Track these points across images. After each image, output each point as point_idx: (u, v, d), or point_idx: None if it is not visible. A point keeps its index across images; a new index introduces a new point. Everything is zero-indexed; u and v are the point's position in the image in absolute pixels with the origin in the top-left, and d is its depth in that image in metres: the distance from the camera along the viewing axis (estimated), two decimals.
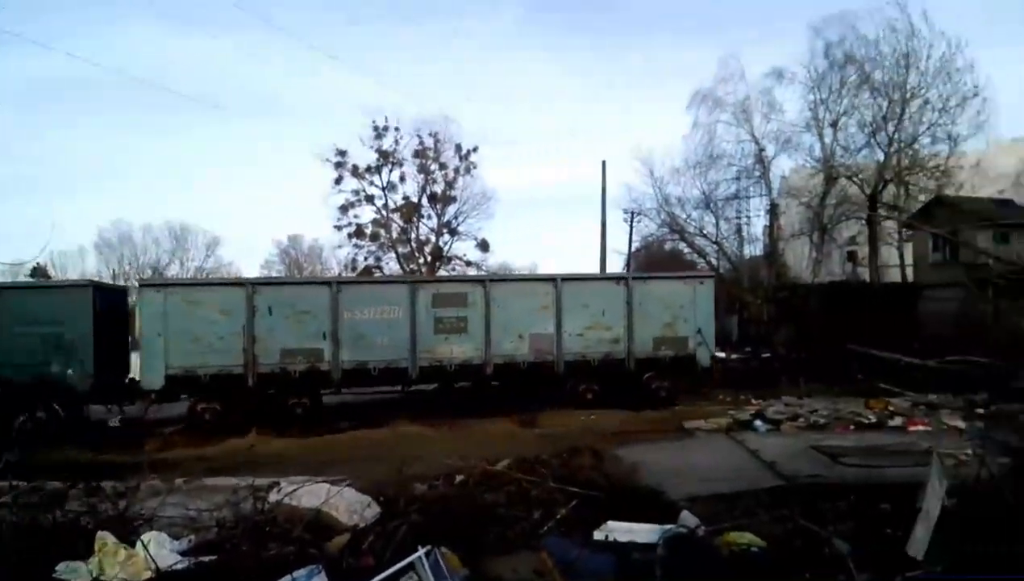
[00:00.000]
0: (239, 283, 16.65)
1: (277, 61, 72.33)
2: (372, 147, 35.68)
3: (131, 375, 16.49)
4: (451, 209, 37.15)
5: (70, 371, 14.75)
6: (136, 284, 23.73)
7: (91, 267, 47.61)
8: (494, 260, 38.43)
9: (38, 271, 27.92)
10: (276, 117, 70.25)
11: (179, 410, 15.66)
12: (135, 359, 16.36)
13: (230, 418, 14.86)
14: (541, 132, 75.53)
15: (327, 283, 16.53)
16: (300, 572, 5.07)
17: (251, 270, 51.59)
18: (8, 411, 14.44)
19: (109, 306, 16.17)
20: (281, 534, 5.94)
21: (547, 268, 41.22)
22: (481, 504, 6.84)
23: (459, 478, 7.55)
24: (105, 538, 5.15)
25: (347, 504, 6.34)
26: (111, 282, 37.74)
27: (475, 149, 36.61)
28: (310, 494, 6.44)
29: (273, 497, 6.43)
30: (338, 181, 36.02)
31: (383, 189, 36.69)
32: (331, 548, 5.82)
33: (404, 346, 15.83)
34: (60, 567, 4.91)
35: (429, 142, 36.11)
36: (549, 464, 8.21)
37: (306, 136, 75.12)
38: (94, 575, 4.86)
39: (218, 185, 75.35)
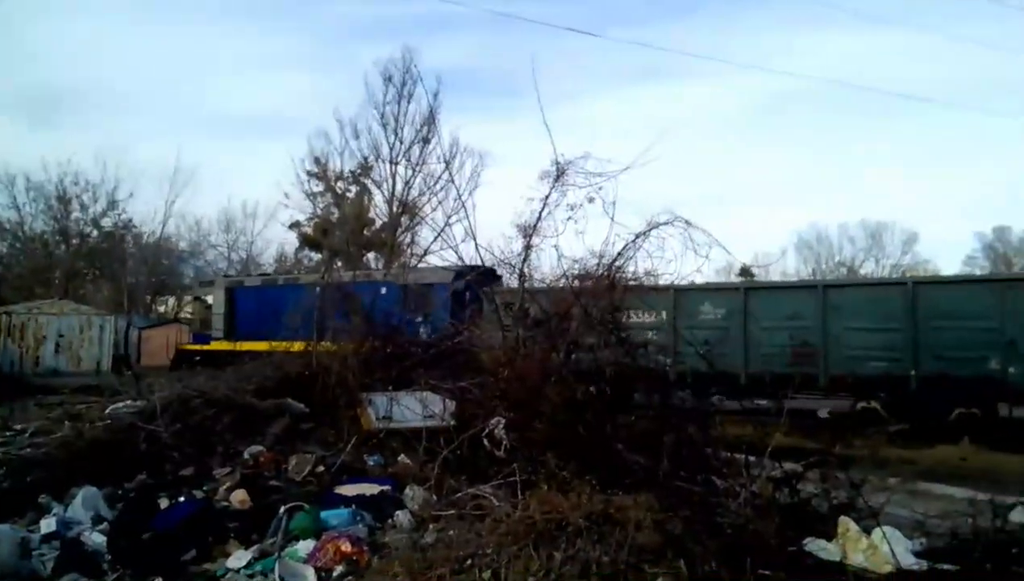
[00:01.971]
0: None
1: (988, 37, 64.77)
2: None
3: None
4: None
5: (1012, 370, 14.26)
6: None
7: (791, 267, 50.55)
8: None
9: (744, 271, 31.08)
10: (977, 100, 63.19)
11: None
12: None
13: None
14: None
15: None
16: None
17: (952, 267, 47.75)
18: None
19: None
20: None
21: None
22: None
23: None
24: (848, 524, 5.45)
25: None
26: None
27: None
28: None
29: (1016, 517, 5.85)
30: None
31: None
32: None
33: None
34: (809, 543, 5.38)
35: None
36: None
37: (1018, 116, 65.51)
38: (838, 557, 5.19)
39: (918, 179, 71.73)
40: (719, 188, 70.14)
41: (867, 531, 5.52)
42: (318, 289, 11.91)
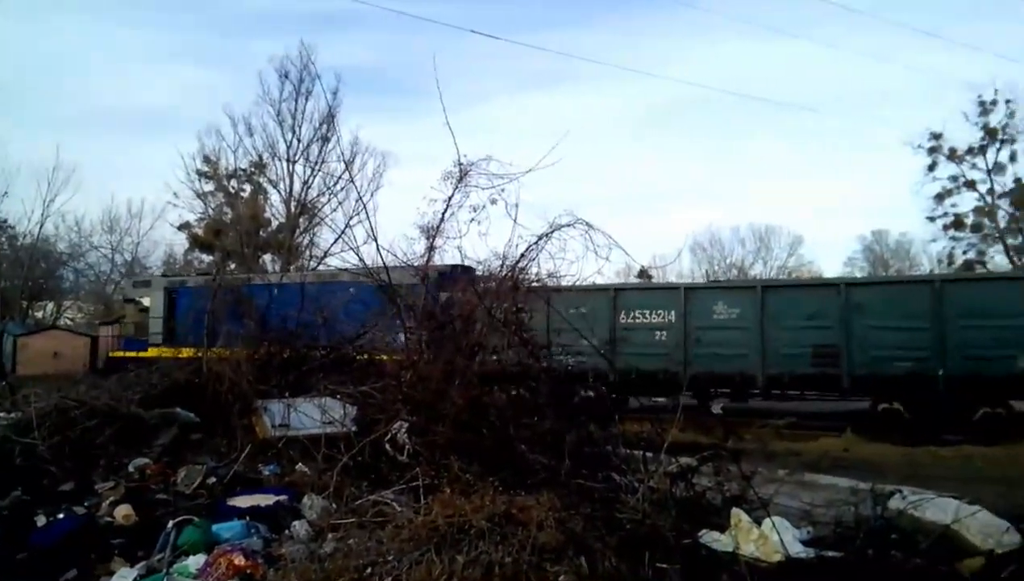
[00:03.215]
0: None
1: (863, 49, 68.89)
2: (977, 124, 31.62)
3: None
4: None
5: None
6: None
7: (686, 268, 52.26)
8: None
9: (643, 272, 31.86)
10: (866, 108, 67.14)
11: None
12: None
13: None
14: None
15: None
16: None
17: (833, 269, 50.42)
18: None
19: None
20: (905, 544, 5.72)
21: None
22: None
23: None
24: (740, 515, 5.64)
25: (981, 525, 5.76)
26: None
27: None
28: (936, 508, 6.03)
29: (894, 504, 6.20)
30: (932, 167, 32.97)
31: (988, 172, 32.27)
32: (963, 569, 5.39)
33: None
34: (704, 535, 5.54)
35: None
36: None
37: (900, 124, 70.10)
38: (731, 548, 5.36)
39: (802, 184, 75.44)
40: (619, 191, 71.78)
41: (758, 522, 5.73)
42: (275, 289, 11.24)
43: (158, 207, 40.98)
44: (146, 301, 23.78)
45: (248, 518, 6.02)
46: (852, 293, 15.73)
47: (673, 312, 16.70)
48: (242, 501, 6.45)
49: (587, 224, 8.53)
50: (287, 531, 5.89)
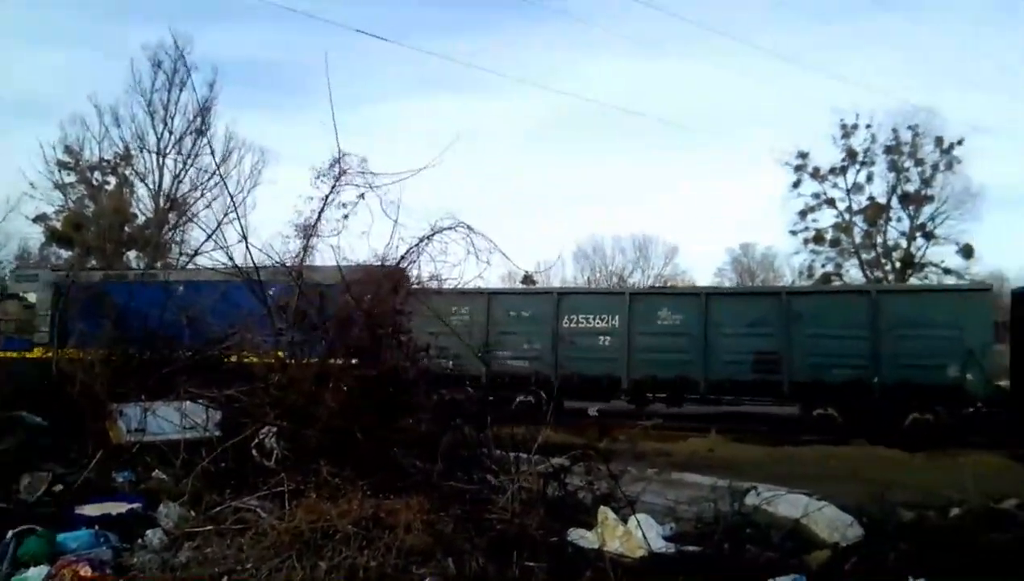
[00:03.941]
0: None
1: (732, 72, 72.66)
2: (841, 146, 33.94)
3: None
4: (927, 210, 33.50)
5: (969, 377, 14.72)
6: None
7: (569, 274, 53.24)
8: (980, 267, 33.51)
9: (527, 278, 32.20)
10: (737, 127, 70.66)
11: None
12: None
13: None
14: None
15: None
16: (783, 579, 5.09)
17: (705, 279, 52.68)
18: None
19: None
20: (760, 538, 6.01)
21: None
22: (983, 543, 6.06)
23: (954, 511, 6.76)
24: (606, 513, 5.77)
25: (828, 520, 6.13)
26: None
27: (960, 142, 32.44)
28: (788, 503, 6.39)
29: (750, 500, 6.51)
30: (796, 184, 35.14)
31: (847, 191, 34.69)
32: (811, 561, 5.71)
33: None
34: (572, 533, 5.64)
35: (906, 136, 33.01)
36: None
37: (767, 143, 74.21)
38: (597, 544, 5.48)
39: (680, 197, 78.56)
40: (505, 198, 72.49)
41: (624, 519, 5.89)
42: (181, 287, 10.37)
43: (13, 199, 38.03)
44: (32, 297, 21.81)
45: (98, 527, 5.69)
46: (793, 302, 16.38)
47: (618, 317, 16.85)
48: (92, 509, 6.09)
49: (468, 227, 8.52)
50: (140, 540, 5.57)
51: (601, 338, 16.92)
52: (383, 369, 8.25)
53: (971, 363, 14.45)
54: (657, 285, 43.43)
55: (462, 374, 16.29)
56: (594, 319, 17.06)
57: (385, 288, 8.54)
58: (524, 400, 16.23)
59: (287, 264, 8.72)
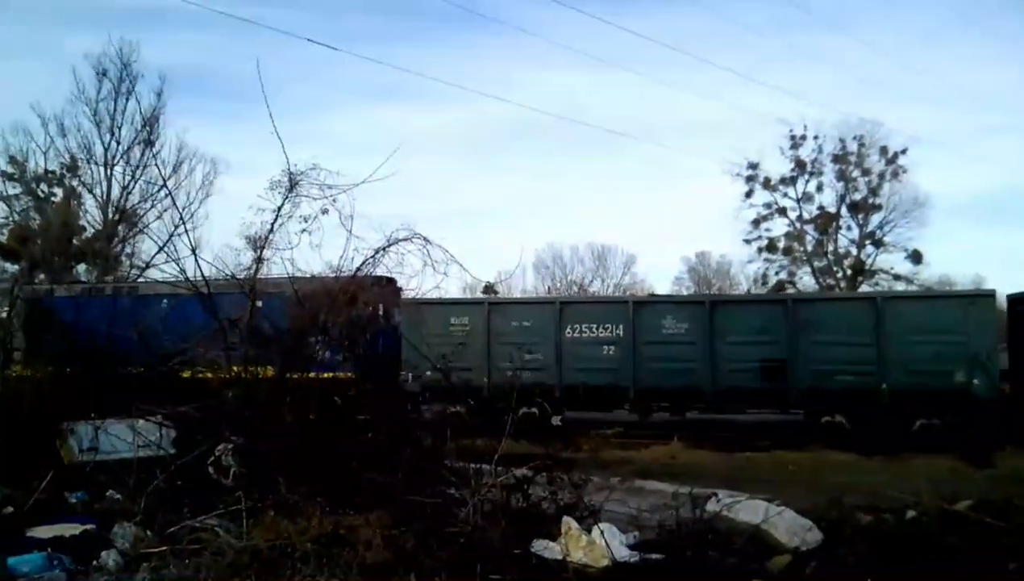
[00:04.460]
0: None
1: (682, 85, 73.73)
2: (789, 157, 34.63)
3: None
4: (875, 218, 34.35)
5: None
6: None
7: (530, 284, 53.28)
8: (929, 273, 34.39)
9: (488, 288, 32.22)
10: (689, 138, 71.61)
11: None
12: None
13: None
14: (992, 129, 64.88)
15: None
16: None
17: (663, 287, 53.18)
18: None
19: None
20: (721, 544, 6.06)
21: (994, 283, 35.29)
22: (938, 545, 6.19)
23: (910, 514, 6.89)
24: (570, 523, 5.76)
25: (787, 525, 6.20)
26: None
27: (904, 151, 33.35)
28: (748, 509, 6.44)
29: (711, 507, 6.56)
30: (748, 194, 35.73)
31: (797, 201, 35.39)
32: (772, 566, 5.77)
33: None
34: (536, 544, 5.62)
35: (852, 147, 33.83)
36: None
37: (719, 154, 75.29)
38: (561, 555, 5.47)
39: (636, 207, 79.18)
40: (460, 208, 72.35)
41: (588, 529, 5.89)
42: (165, 301, 9.83)
43: None
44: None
45: (50, 549, 5.54)
46: (800, 309, 16.28)
47: (621, 326, 16.60)
48: (44, 531, 5.95)
49: (425, 239, 8.48)
50: (95, 562, 5.41)
51: (605, 348, 16.67)
52: (340, 383, 8.17)
53: (977, 367, 14.51)
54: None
55: (463, 385, 16.42)
56: (597, 329, 16.79)
57: (340, 300, 8.45)
58: (528, 412, 15.92)
59: (238, 277, 8.58)
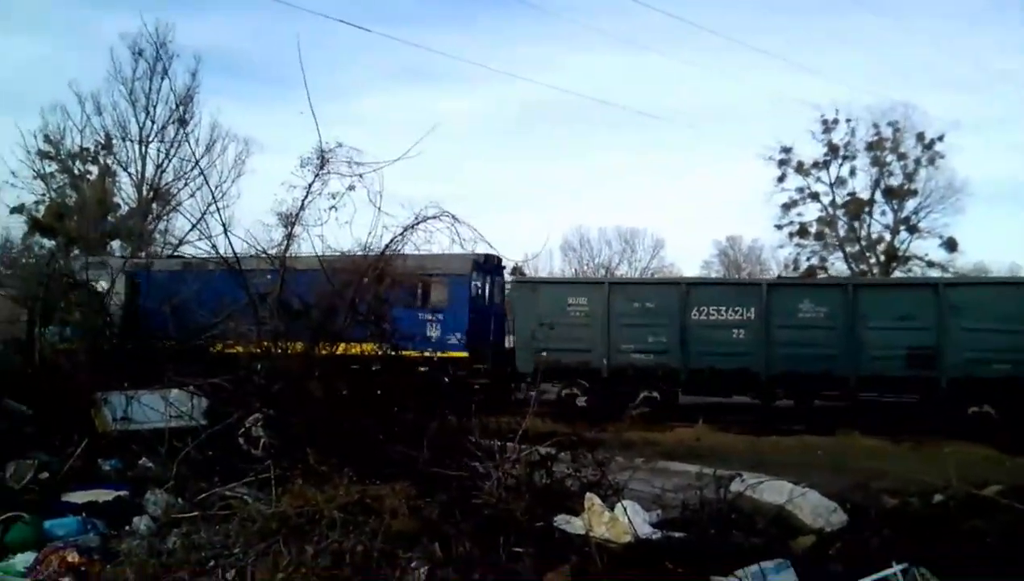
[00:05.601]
0: None
1: (714, 67, 72.71)
2: (821, 141, 34.08)
3: None
4: (910, 204, 33.71)
5: None
6: None
7: (556, 267, 53.21)
8: (964, 261, 33.75)
9: (516, 269, 32.17)
10: (720, 122, 70.70)
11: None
12: None
13: None
14: None
15: None
16: (768, 564, 5.11)
17: (692, 270, 52.85)
18: None
19: None
20: (745, 524, 6.06)
21: None
22: (965, 530, 6.14)
23: (937, 498, 6.84)
24: (593, 499, 5.79)
25: (812, 506, 6.18)
26: None
27: (941, 137, 32.61)
28: (773, 490, 6.42)
29: (735, 487, 6.55)
30: (781, 179, 35.31)
31: (830, 185, 34.86)
32: (796, 546, 5.76)
33: None
34: (558, 518, 5.67)
35: (887, 132, 33.17)
36: None
37: (750, 137, 74.24)
38: (585, 530, 5.51)
39: (665, 190, 78.52)
40: (489, 188, 72.36)
41: (611, 506, 5.92)
42: (269, 275, 9.92)
43: None
44: (99, 288, 21.38)
45: (84, 514, 5.73)
46: (949, 294, 15.49)
47: (753, 309, 16.12)
48: (78, 497, 6.13)
49: (453, 217, 8.54)
50: (127, 526, 5.57)
51: (735, 331, 16.16)
52: (367, 358, 8.26)
53: None
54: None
55: (581, 366, 16.34)
56: (727, 311, 16.25)
57: (370, 276, 8.54)
58: (648, 395, 15.89)
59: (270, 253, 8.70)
